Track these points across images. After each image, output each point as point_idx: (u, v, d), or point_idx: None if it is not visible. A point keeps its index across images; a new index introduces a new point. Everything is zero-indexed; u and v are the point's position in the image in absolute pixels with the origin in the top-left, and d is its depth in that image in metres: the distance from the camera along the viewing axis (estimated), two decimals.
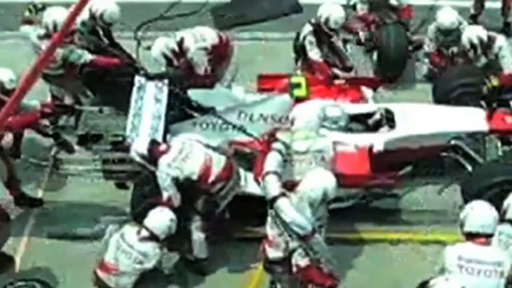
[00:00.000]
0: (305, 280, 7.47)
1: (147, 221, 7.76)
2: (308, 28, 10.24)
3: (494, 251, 7.10)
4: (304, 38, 10.25)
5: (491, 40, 9.83)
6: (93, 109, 9.27)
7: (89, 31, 9.94)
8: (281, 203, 7.32)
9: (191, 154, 8.07)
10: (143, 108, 8.97)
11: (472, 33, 9.88)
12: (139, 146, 8.18)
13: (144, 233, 7.71)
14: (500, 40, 9.90)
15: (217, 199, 8.19)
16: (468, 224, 7.15)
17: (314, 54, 10.19)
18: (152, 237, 7.70)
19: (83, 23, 9.78)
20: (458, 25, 10.34)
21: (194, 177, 8.01)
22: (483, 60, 9.96)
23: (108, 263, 7.79)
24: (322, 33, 10.21)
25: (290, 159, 8.02)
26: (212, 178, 8.07)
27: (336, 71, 10.28)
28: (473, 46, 9.83)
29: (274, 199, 7.38)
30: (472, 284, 6.92)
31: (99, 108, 9.22)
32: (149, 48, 9.73)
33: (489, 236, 7.14)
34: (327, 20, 10.07)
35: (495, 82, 9.76)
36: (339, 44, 10.52)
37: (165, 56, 9.71)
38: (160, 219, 7.77)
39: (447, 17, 10.36)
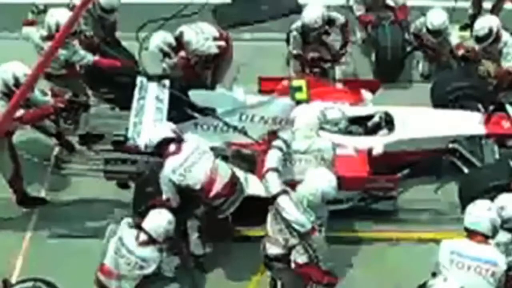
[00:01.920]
0: (303, 277, 7.50)
1: (145, 224, 7.70)
2: (297, 24, 10.31)
3: (489, 250, 7.08)
4: (291, 31, 10.36)
5: (499, 33, 9.82)
6: (105, 107, 9.32)
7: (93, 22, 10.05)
8: (282, 200, 7.34)
9: (197, 164, 7.98)
10: (145, 109, 9.01)
11: (494, 21, 9.79)
12: (155, 136, 8.11)
13: (143, 237, 7.65)
14: (506, 36, 9.87)
15: (216, 212, 8.17)
16: (466, 219, 7.19)
17: (293, 48, 10.34)
18: (151, 240, 7.65)
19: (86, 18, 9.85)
20: (445, 28, 10.44)
21: (196, 187, 7.99)
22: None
23: (108, 267, 7.75)
24: (309, 34, 10.29)
25: (290, 158, 8.06)
26: (213, 193, 8.01)
27: (326, 65, 10.46)
28: (490, 33, 9.71)
29: (275, 196, 7.41)
30: (461, 279, 6.96)
31: (110, 106, 9.28)
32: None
33: (487, 236, 7.14)
34: (303, 25, 10.18)
35: (491, 69, 9.83)
36: (329, 39, 10.55)
37: (162, 51, 9.72)
38: (158, 221, 7.69)
39: (437, 18, 10.44)
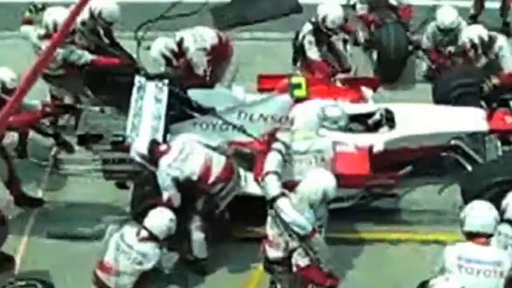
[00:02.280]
0: (305, 280, 7.48)
1: (147, 221, 7.77)
2: (308, 27, 10.27)
3: (494, 251, 7.13)
4: (304, 37, 10.28)
5: (491, 39, 9.84)
6: (94, 109, 9.30)
7: (89, 31, 9.96)
8: (281, 203, 7.34)
9: (191, 154, 8.09)
10: (143, 108, 8.98)
11: (473, 33, 9.88)
12: (139, 147, 8.19)
13: (144, 233, 7.73)
14: (501, 40, 9.92)
15: (217, 199, 8.20)
16: (468, 223, 7.18)
17: (313, 53, 10.22)
18: (151, 237, 7.72)
19: (83, 23, 9.80)
20: (457, 25, 10.35)
21: (194, 177, 8.04)
22: (483, 60, 9.98)
23: (107, 263, 7.80)
24: (321, 32, 10.24)
25: (290, 159, 8.02)
26: (212, 179, 8.09)
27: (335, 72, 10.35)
28: (473, 45, 9.83)
29: (274, 199, 7.39)
30: (471, 284, 6.95)
31: (100, 108, 9.25)
32: (149, 48, 9.75)
33: (489, 236, 7.17)
34: (324, 19, 10.09)
35: (495, 80, 9.78)
36: (339, 45, 10.52)
37: (164, 57, 9.73)
38: (160, 219, 7.77)
39: (447, 16, 10.36)
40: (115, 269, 7.75)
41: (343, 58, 10.54)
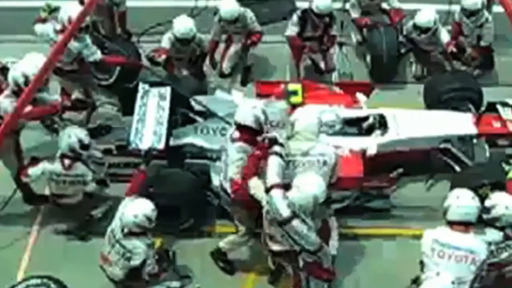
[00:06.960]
0: (308, 273, 7.76)
1: (123, 218, 7.93)
2: (298, 13, 10.66)
3: (470, 239, 7.23)
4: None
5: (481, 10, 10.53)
6: (110, 106, 9.58)
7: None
8: (296, 224, 7.34)
9: None
10: (147, 114, 9.21)
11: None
12: None
13: (126, 229, 7.88)
14: (486, 13, 10.60)
15: None
16: (451, 212, 7.35)
17: (289, 31, 10.65)
18: (131, 232, 7.87)
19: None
20: (433, 26, 10.74)
21: None
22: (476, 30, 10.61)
23: (104, 254, 8.06)
24: (309, 18, 10.58)
25: (293, 159, 7.97)
26: None
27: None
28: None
29: (288, 220, 7.35)
30: (442, 267, 7.16)
31: (114, 103, 9.55)
32: (150, 57, 10.15)
33: (469, 224, 7.32)
34: (313, 5, 10.48)
35: (472, 53, 10.56)
36: (335, 47, 10.86)
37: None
38: (128, 214, 7.85)
39: (424, 16, 10.78)
40: (109, 260, 8.01)
41: (328, 58, 10.84)
